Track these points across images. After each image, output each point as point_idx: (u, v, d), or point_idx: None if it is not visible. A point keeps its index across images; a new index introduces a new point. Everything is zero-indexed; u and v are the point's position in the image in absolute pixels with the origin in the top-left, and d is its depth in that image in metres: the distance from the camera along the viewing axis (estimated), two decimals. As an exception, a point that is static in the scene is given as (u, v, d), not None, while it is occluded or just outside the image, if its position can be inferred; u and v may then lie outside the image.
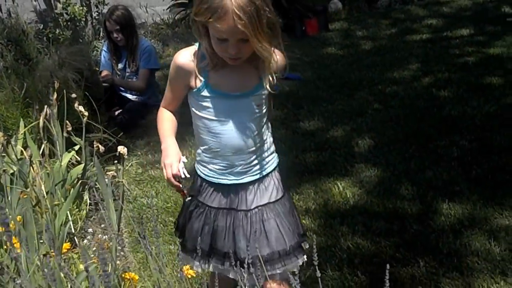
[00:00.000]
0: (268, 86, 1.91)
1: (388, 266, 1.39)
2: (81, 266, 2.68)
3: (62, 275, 2.15)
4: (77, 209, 3.49)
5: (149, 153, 4.42)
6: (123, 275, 2.35)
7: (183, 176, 1.97)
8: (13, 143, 3.52)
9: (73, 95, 3.49)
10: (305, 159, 4.08)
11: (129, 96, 5.21)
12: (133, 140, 4.74)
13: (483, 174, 3.63)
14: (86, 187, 3.53)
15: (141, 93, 5.19)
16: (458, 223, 3.17)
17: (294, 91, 5.40)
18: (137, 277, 2.32)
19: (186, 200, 2.12)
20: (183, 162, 2.00)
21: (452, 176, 3.64)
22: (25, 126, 3.85)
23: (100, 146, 3.30)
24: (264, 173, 2.08)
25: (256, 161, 2.05)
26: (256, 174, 2.06)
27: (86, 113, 3.41)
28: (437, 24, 7.30)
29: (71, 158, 3.74)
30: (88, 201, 3.55)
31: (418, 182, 3.62)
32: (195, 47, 1.94)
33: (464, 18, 7.32)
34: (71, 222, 3.20)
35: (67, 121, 3.51)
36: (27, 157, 3.28)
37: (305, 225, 3.29)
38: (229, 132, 1.97)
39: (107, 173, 2.94)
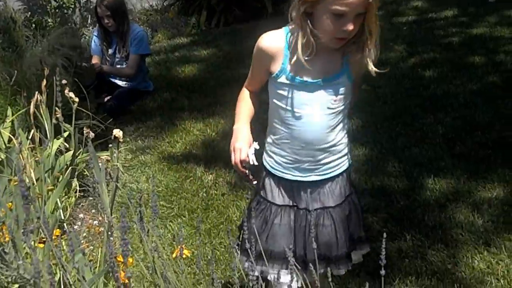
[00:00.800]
0: (371, 67, 1.77)
1: (384, 237, 1.50)
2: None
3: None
4: (66, 196, 3.51)
5: (139, 139, 4.45)
6: (116, 258, 2.38)
7: (251, 163, 1.85)
8: (1, 130, 3.53)
9: (64, 81, 3.51)
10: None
11: (119, 82, 5.22)
12: (122, 126, 4.75)
13: (467, 150, 3.71)
14: (75, 173, 3.55)
15: (130, 79, 5.21)
16: (443, 197, 3.25)
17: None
18: (132, 260, 2.35)
19: (253, 184, 1.98)
20: (254, 149, 1.87)
21: (437, 153, 3.72)
22: (12, 114, 3.86)
23: (90, 132, 3.33)
24: (332, 174, 1.96)
25: (325, 160, 1.93)
26: (323, 174, 1.95)
27: (76, 99, 3.43)
28: (422, 6, 7.37)
29: (59, 145, 3.76)
30: (78, 188, 3.58)
31: (404, 159, 3.68)
32: (282, 31, 1.82)
33: (448, 0, 7.38)
34: (60, 209, 3.22)
35: (57, 107, 3.53)
36: (16, 144, 3.30)
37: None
38: (301, 124, 1.86)
39: (101, 157, 2.96)
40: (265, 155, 2.03)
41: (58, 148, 3.72)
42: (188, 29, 7.28)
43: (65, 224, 3.28)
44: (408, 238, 2.92)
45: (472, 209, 3.10)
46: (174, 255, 1.93)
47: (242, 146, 1.86)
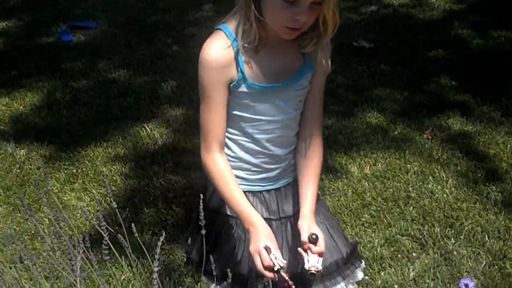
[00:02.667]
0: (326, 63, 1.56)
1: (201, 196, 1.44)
2: None
3: None
4: None
5: None
6: None
7: (277, 267, 1.43)
8: None
9: None
10: (109, 107, 4.06)
11: None
12: None
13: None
14: None
15: None
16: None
17: (90, 41, 5.28)
18: None
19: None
20: (270, 248, 1.45)
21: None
22: None
23: None
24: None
25: (292, 161, 1.68)
26: (292, 176, 1.70)
27: None
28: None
29: None
30: None
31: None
32: (223, 36, 1.49)
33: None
34: None
35: None
36: None
37: (117, 171, 3.33)
38: (266, 132, 1.59)
39: None
40: None
41: None
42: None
43: None
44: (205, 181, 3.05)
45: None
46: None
47: (260, 248, 1.45)
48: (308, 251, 1.45)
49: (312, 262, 1.42)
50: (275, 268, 1.42)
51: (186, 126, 3.72)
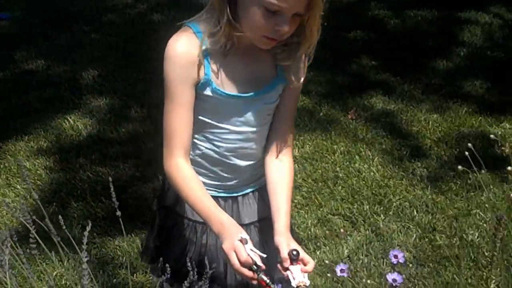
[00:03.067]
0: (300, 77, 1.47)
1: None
2: None
3: None
4: None
5: None
6: None
7: (256, 260, 1.33)
8: None
9: None
10: (28, 99, 3.91)
11: None
12: None
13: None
14: None
15: None
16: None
17: (5, 32, 5.05)
18: None
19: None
20: (245, 239, 1.34)
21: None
22: None
23: None
24: (262, 183, 1.61)
25: (254, 173, 1.60)
26: (253, 186, 1.63)
27: None
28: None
29: None
30: None
31: (145, 103, 3.73)
32: (190, 34, 1.40)
33: None
34: None
35: None
36: None
37: (41, 165, 3.22)
38: (226, 142, 1.50)
39: None
40: None
41: None
42: None
43: None
44: (160, 178, 3.01)
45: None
46: None
47: (236, 244, 1.33)
48: (290, 267, 1.35)
49: (299, 278, 1.33)
50: (254, 267, 1.32)
51: (111, 116, 3.63)
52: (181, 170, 1.44)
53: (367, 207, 2.83)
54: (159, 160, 3.10)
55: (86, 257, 1.29)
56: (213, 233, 1.39)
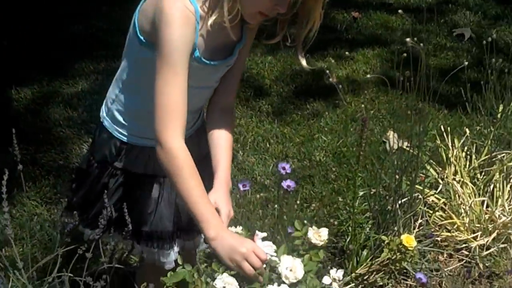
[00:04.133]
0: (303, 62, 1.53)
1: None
2: None
3: None
4: None
5: None
6: None
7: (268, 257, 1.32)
8: None
9: None
10: None
11: None
12: None
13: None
14: None
15: None
16: (34, 103, 3.37)
17: None
18: None
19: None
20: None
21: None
22: None
23: None
24: (198, 126, 1.66)
25: (196, 116, 1.63)
26: (193, 130, 1.63)
27: None
28: None
29: None
30: None
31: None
32: None
33: None
34: None
35: None
36: None
37: None
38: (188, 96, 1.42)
39: None
40: (113, 125, 1.58)
41: None
42: None
43: None
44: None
45: (64, 106, 3.31)
46: None
47: (253, 245, 1.32)
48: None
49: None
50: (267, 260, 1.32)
51: None
52: (182, 153, 1.36)
53: (226, 146, 3.07)
54: None
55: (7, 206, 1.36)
56: (207, 238, 1.34)
